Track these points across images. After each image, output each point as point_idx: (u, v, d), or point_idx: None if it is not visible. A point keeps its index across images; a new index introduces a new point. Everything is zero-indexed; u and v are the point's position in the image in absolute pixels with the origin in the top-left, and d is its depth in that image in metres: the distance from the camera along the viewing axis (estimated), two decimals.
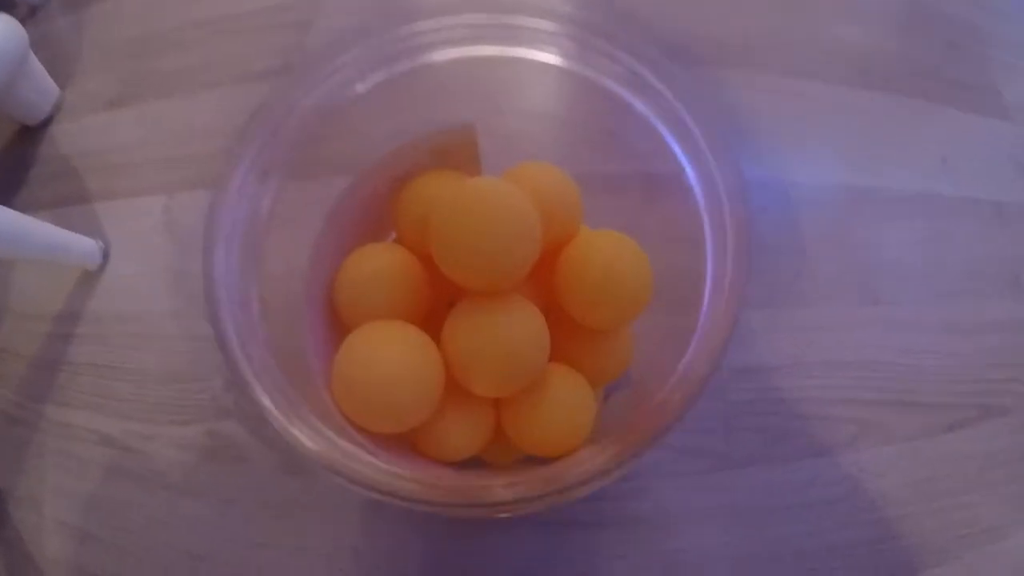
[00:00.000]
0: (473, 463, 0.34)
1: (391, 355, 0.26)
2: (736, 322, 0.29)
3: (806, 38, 0.72)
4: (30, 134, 0.70)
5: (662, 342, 0.35)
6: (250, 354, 0.24)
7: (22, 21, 0.83)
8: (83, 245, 0.57)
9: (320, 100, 0.24)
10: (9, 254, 0.53)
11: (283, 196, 0.25)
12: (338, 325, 0.29)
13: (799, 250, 0.56)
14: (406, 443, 0.30)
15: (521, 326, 0.28)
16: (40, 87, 0.71)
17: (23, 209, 0.52)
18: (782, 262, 0.55)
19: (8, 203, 0.52)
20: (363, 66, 0.24)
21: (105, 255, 0.57)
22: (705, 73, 0.64)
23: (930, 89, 0.72)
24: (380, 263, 0.29)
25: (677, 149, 0.32)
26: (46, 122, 0.71)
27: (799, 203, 0.57)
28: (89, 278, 0.57)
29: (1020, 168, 0.69)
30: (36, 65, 0.70)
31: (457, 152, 0.29)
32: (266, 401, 0.23)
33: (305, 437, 0.22)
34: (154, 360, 0.53)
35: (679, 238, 0.35)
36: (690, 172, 0.32)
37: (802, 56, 0.69)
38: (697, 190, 0.32)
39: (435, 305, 0.31)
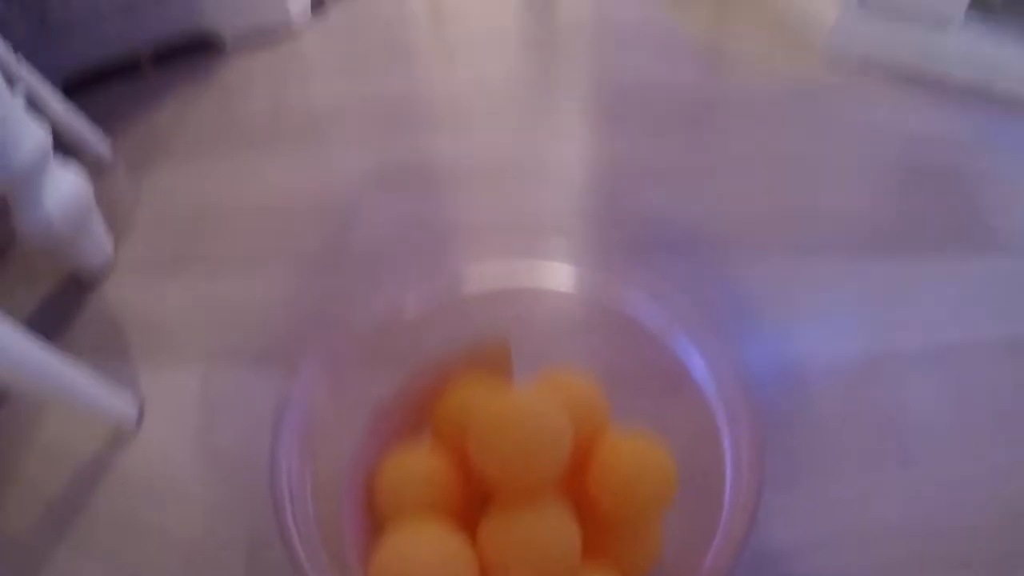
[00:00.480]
0: None
1: (427, 558, 0.27)
2: (755, 514, 0.30)
3: (806, 213, 0.78)
4: (81, 284, 0.76)
5: (688, 534, 0.36)
6: (308, 551, 0.25)
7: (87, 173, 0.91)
8: (120, 403, 0.59)
9: (378, 322, 0.27)
10: (48, 394, 0.54)
11: (338, 399, 0.27)
12: (375, 521, 0.30)
13: (821, 422, 0.57)
14: None
15: (554, 530, 0.29)
16: (98, 242, 0.77)
17: (65, 353, 0.55)
18: (804, 436, 0.55)
19: (52, 346, 0.54)
20: (414, 297, 0.27)
21: (140, 414, 0.59)
22: (714, 259, 0.69)
23: (929, 241, 0.77)
24: (417, 468, 0.31)
25: (687, 349, 0.34)
26: (98, 275, 0.76)
27: (817, 375, 0.58)
28: (122, 433, 0.59)
29: None
30: (98, 220, 0.77)
31: (493, 359, 0.32)
32: None
33: None
34: (174, 524, 0.54)
35: (697, 431, 0.36)
36: (699, 369, 0.35)
37: (805, 231, 0.75)
38: (707, 385, 0.34)
39: (470, 499, 0.32)
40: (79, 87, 1.43)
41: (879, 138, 0.98)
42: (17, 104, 0.66)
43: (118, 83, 1.45)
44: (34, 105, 0.93)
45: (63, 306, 0.73)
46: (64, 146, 0.98)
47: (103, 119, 1.06)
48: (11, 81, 0.90)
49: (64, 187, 0.70)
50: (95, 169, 1.02)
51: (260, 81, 1.23)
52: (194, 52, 1.45)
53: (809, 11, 1.31)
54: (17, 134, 0.65)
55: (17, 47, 0.92)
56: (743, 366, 0.36)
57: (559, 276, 0.32)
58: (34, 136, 0.67)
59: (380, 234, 0.72)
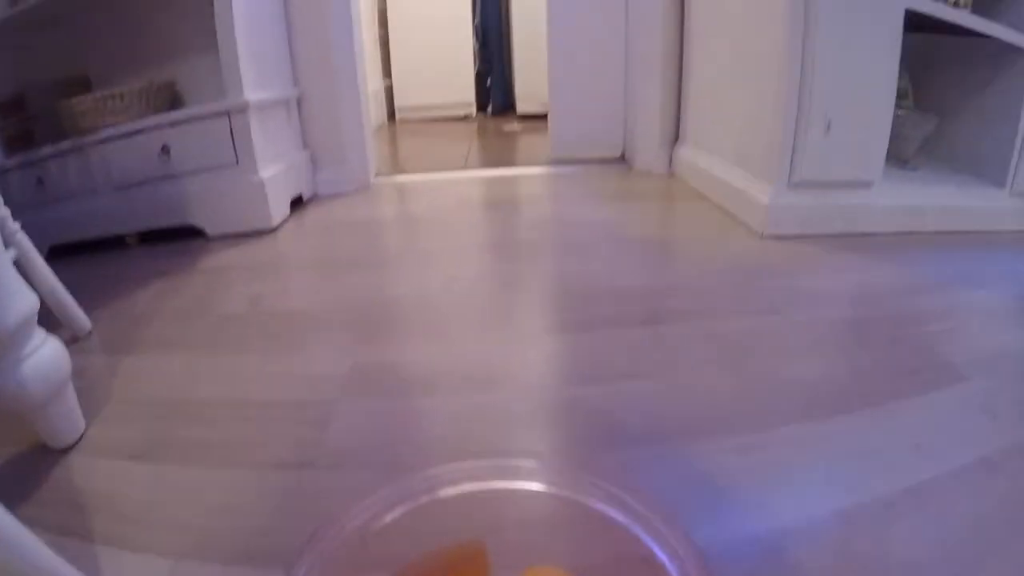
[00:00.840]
0: None
1: None
2: None
3: (765, 387, 0.81)
4: (49, 456, 0.72)
5: None
6: None
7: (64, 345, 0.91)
8: None
9: (360, 523, 0.28)
10: (4, 568, 0.50)
11: None
12: None
13: None
14: None
15: None
16: (70, 415, 0.74)
17: (26, 525, 0.51)
18: None
19: (12, 514, 0.51)
20: (389, 501, 0.29)
21: None
22: (680, 444, 0.69)
23: (888, 388, 0.80)
24: None
25: (655, 538, 0.35)
26: (66, 450, 0.74)
27: (797, 542, 0.56)
28: None
29: (992, 414, 0.74)
30: (71, 394, 0.75)
31: (470, 561, 0.32)
32: None
33: None
34: None
35: None
36: (665, 555, 0.36)
37: (765, 404, 0.77)
38: (669, 567, 0.35)
39: None
40: (65, 252, 1.47)
41: (822, 301, 1.06)
42: (9, 267, 0.68)
43: (103, 254, 1.50)
44: (22, 268, 0.95)
45: (27, 475, 0.70)
46: (44, 312, 0.99)
47: (85, 288, 1.08)
48: (6, 243, 0.93)
49: (44, 355, 0.69)
50: (72, 340, 1.03)
51: (239, 275, 1.29)
52: (178, 236, 1.52)
53: (743, 197, 1.46)
54: (7, 297, 0.66)
55: (11, 207, 0.96)
56: (713, 548, 0.37)
57: (530, 475, 0.33)
58: (23, 301, 0.67)
59: (354, 436, 0.73)
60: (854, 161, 1.31)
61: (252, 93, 1.46)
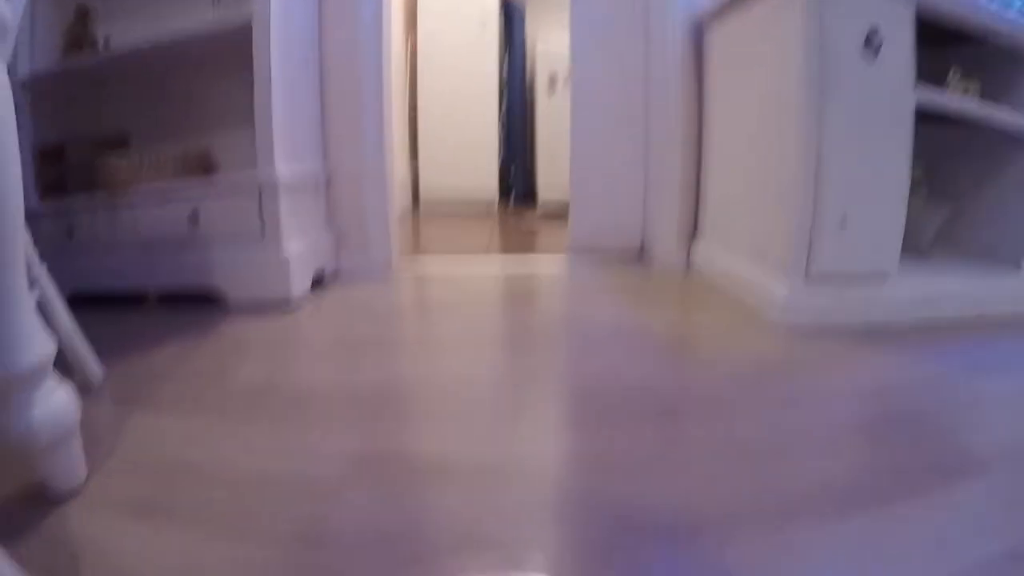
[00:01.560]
0: None
1: None
2: None
3: (782, 485, 0.78)
4: (46, 502, 0.71)
5: None
6: None
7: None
8: None
9: None
10: None
11: None
12: None
13: None
14: None
15: None
16: (73, 463, 0.73)
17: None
18: None
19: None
20: None
21: None
22: (695, 545, 0.66)
23: (908, 483, 0.77)
24: None
25: None
26: (65, 498, 0.72)
27: None
28: None
29: (1019, 505, 0.71)
30: (77, 443, 0.74)
31: None
32: None
33: None
34: None
35: None
36: None
37: (782, 503, 0.73)
38: None
39: None
40: (85, 302, 1.50)
41: (840, 397, 1.04)
42: (32, 309, 0.69)
43: (122, 309, 1.52)
44: (42, 310, 0.96)
45: (23, 521, 0.68)
46: (58, 357, 1.00)
47: (101, 339, 1.09)
48: (30, 284, 0.95)
49: (55, 401, 0.69)
50: (83, 389, 1.03)
51: (254, 348, 1.29)
52: (198, 302, 1.55)
53: (760, 292, 1.48)
54: (26, 338, 0.66)
55: (40, 252, 0.99)
56: None
57: None
58: (42, 345, 0.68)
59: (356, 524, 0.70)
60: (870, 253, 1.33)
61: (283, 169, 1.52)
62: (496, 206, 3.83)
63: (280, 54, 1.49)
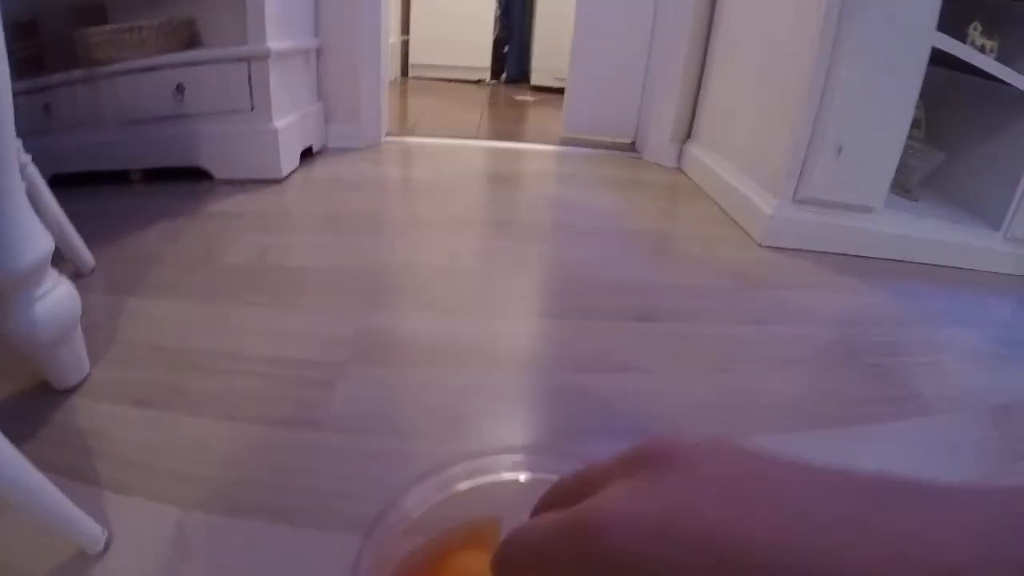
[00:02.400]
0: None
1: None
2: None
3: (745, 398, 0.84)
4: (52, 396, 0.74)
5: None
6: None
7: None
8: (87, 526, 0.56)
9: (392, 521, 0.30)
10: (12, 502, 0.51)
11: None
12: None
13: None
14: None
15: None
16: (77, 358, 0.76)
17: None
18: None
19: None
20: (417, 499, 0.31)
21: (107, 545, 0.58)
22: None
23: (861, 412, 0.85)
24: None
25: None
26: (70, 391, 0.75)
27: None
28: (84, 560, 0.57)
29: (954, 451, 0.79)
30: (79, 337, 0.77)
31: (485, 535, 0.34)
32: None
33: None
34: None
35: None
36: None
37: (744, 415, 0.81)
38: None
39: None
40: (67, 182, 1.46)
41: (812, 319, 1.10)
42: (27, 207, 0.69)
43: (106, 188, 1.49)
44: (30, 200, 0.95)
45: (31, 415, 0.72)
46: None
47: (88, 223, 1.07)
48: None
49: (56, 297, 0.70)
50: (76, 276, 1.03)
51: (245, 223, 1.29)
52: (184, 176, 1.52)
53: (747, 206, 1.49)
54: (24, 238, 0.67)
55: (16, 132, 0.96)
56: None
57: (520, 466, 0.35)
58: (40, 242, 0.68)
59: (359, 402, 0.75)
60: (859, 186, 1.34)
61: (274, 41, 1.44)
62: (488, 84, 3.67)
63: None
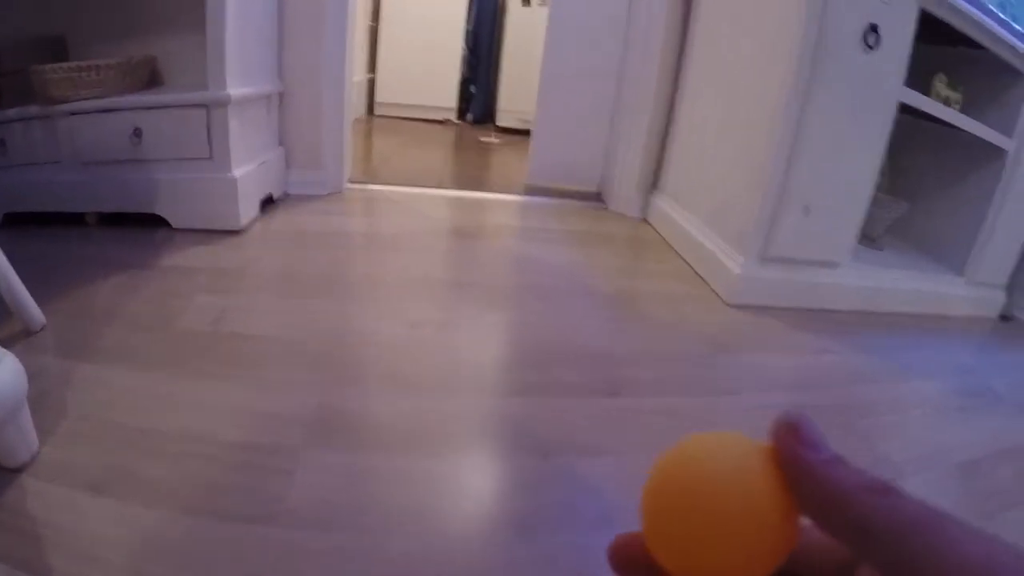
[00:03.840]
0: None
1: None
2: None
3: None
4: (2, 474, 0.69)
5: None
6: None
7: (15, 339, 0.85)
8: None
9: None
10: None
11: None
12: None
13: None
14: None
15: None
16: (25, 436, 0.71)
17: None
18: None
19: None
20: None
21: None
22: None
23: None
24: None
25: None
26: (19, 469, 0.70)
27: None
28: None
29: None
30: (26, 415, 0.71)
31: None
32: None
33: None
34: None
35: None
36: None
37: None
38: None
39: None
40: (21, 220, 1.39)
41: (779, 384, 1.10)
42: None
43: (61, 229, 1.42)
44: None
45: None
46: None
47: (40, 269, 1.02)
48: None
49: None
50: (25, 334, 0.98)
51: (202, 280, 1.24)
52: (141, 221, 1.46)
53: (713, 263, 1.50)
54: None
55: None
56: None
57: None
58: None
59: (316, 492, 0.71)
60: (826, 243, 1.37)
61: (235, 87, 1.41)
62: (453, 123, 3.70)
63: None
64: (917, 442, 0.98)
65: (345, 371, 0.99)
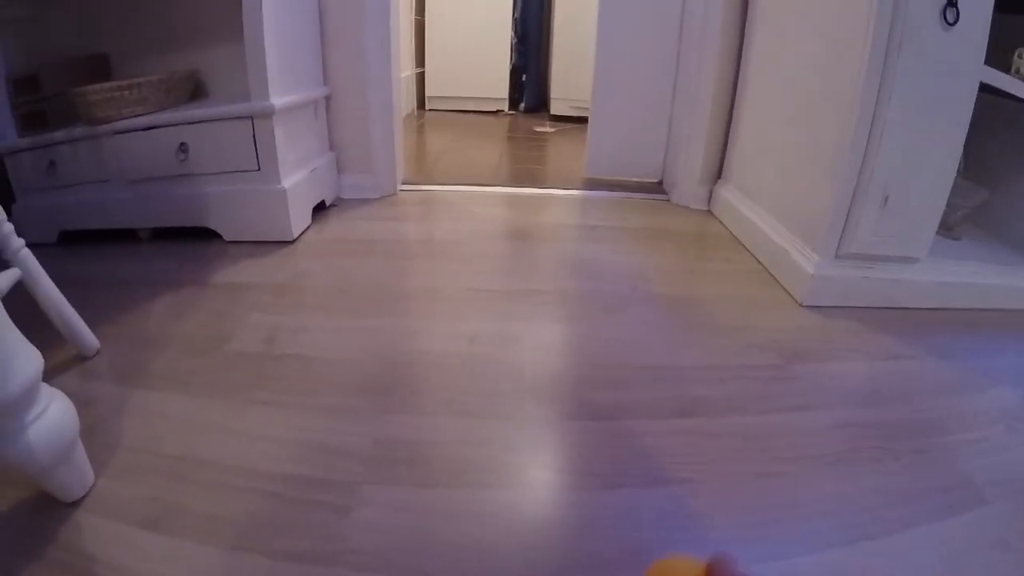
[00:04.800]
0: None
1: None
2: None
3: (791, 509, 0.76)
4: (57, 508, 0.69)
5: None
6: None
7: (69, 365, 0.85)
8: None
9: None
10: None
11: None
12: None
13: None
14: None
15: None
16: (79, 472, 0.71)
17: None
18: None
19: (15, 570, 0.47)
20: None
21: None
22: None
23: (909, 512, 0.76)
24: None
25: None
26: (75, 504, 0.70)
27: None
28: None
29: (1005, 547, 0.71)
30: (80, 452, 0.71)
31: None
32: None
33: None
34: None
35: None
36: None
37: (790, 530, 0.73)
38: None
39: None
40: (75, 239, 1.43)
41: (856, 398, 1.01)
42: (10, 329, 0.63)
43: (114, 246, 1.45)
44: (28, 288, 0.91)
45: (35, 531, 0.66)
46: (51, 333, 0.95)
47: (93, 292, 1.03)
48: (10, 262, 0.88)
49: (50, 418, 0.64)
50: (80, 359, 0.98)
51: (255, 297, 1.23)
52: (193, 234, 1.47)
53: (786, 259, 1.40)
54: (8, 361, 0.61)
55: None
56: None
57: None
58: (27, 364, 0.63)
59: (375, 531, 0.68)
60: (905, 237, 1.26)
61: (278, 97, 1.39)
62: (506, 114, 3.64)
63: None
64: (1000, 463, 0.88)
65: (403, 395, 0.96)
